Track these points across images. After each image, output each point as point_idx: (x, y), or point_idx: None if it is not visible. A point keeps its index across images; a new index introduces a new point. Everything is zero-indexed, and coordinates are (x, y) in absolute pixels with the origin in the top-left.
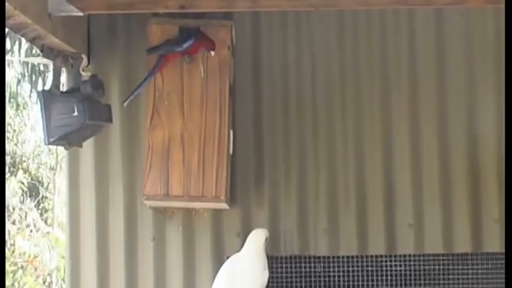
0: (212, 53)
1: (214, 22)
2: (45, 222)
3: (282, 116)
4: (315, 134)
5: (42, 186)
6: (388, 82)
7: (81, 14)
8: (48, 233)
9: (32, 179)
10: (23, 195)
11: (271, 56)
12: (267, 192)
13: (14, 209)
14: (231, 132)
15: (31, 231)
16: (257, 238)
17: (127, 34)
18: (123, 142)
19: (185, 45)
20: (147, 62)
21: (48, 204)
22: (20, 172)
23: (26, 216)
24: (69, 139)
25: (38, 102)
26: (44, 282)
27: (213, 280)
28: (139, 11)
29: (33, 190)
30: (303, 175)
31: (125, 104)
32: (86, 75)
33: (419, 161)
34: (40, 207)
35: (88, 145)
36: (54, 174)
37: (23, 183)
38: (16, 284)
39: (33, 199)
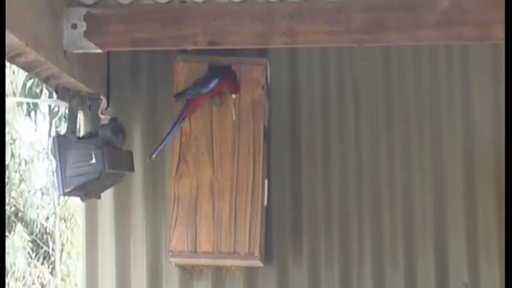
0: (233, 96)
1: (247, 59)
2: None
3: (322, 162)
4: (359, 180)
5: (47, 242)
6: (439, 121)
7: (100, 51)
8: None
9: (38, 233)
10: (28, 252)
11: (310, 96)
12: (305, 247)
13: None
14: (266, 181)
15: None
16: None
17: (151, 73)
18: (146, 193)
19: (211, 86)
20: (173, 104)
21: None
22: (20, 226)
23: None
24: (86, 189)
25: (53, 148)
26: None
27: None
28: (165, 48)
29: (38, 245)
30: (345, 227)
31: (153, 156)
32: (105, 118)
33: (475, 210)
34: (49, 263)
35: (107, 196)
36: (66, 226)
37: (29, 240)
38: None
39: (39, 256)
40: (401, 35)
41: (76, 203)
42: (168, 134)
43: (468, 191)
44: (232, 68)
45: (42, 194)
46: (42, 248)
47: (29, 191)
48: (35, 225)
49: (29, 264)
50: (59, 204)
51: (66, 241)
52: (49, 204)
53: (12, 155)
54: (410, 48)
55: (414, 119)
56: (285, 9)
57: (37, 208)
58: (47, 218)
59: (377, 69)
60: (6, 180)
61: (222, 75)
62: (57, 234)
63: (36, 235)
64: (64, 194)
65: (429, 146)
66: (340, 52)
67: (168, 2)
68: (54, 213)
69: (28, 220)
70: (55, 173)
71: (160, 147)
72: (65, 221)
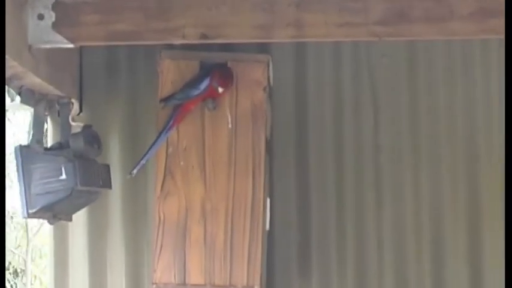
0: (220, 90)
1: (246, 56)
2: None
3: (334, 179)
4: (378, 202)
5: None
6: (475, 135)
7: (71, 46)
8: None
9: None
10: None
11: (321, 101)
12: (315, 279)
13: None
14: (268, 201)
15: None
16: None
17: (131, 72)
18: (126, 214)
19: (202, 86)
20: (158, 109)
21: None
22: None
23: None
24: (55, 210)
25: (15, 161)
26: None
27: None
28: (148, 42)
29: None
30: (362, 257)
31: (134, 172)
32: (77, 126)
33: None
34: None
35: (79, 218)
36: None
37: None
38: None
39: None
40: (429, 28)
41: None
42: (152, 145)
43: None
44: (227, 65)
45: (12, 217)
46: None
47: None
48: None
49: None
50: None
51: (34, 279)
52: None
53: None
54: (440, 44)
55: (445, 131)
56: None
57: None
58: (18, 247)
59: (400, 69)
60: None
61: (213, 68)
62: (28, 267)
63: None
64: (29, 216)
65: (463, 164)
66: (356, 48)
67: None
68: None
69: None
70: (18, 191)
71: (143, 161)
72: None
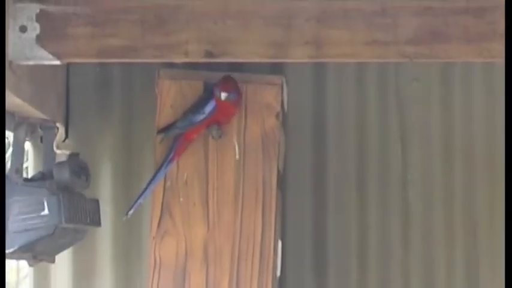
0: (223, 96)
1: (257, 78)
2: None
3: (356, 219)
4: (405, 245)
5: None
6: None
7: (57, 62)
8: None
9: None
10: None
11: (342, 129)
12: None
13: None
14: (280, 243)
15: None
16: None
17: (125, 94)
18: (116, 256)
19: (207, 110)
20: (154, 135)
21: None
22: None
23: None
24: (35, 250)
25: None
26: None
27: None
28: (146, 60)
29: None
30: None
31: (130, 213)
32: (62, 154)
33: None
34: None
35: (64, 259)
36: None
37: None
38: None
39: None
40: (467, 49)
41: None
42: (150, 182)
43: None
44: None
45: None
46: None
47: None
48: None
49: None
50: None
51: None
52: None
53: None
54: (480, 67)
55: (482, 166)
56: (310, 9)
57: None
58: None
59: (434, 95)
60: None
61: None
62: None
63: None
64: (5, 256)
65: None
66: (384, 70)
67: None
68: None
69: None
70: None
71: (140, 200)
72: None
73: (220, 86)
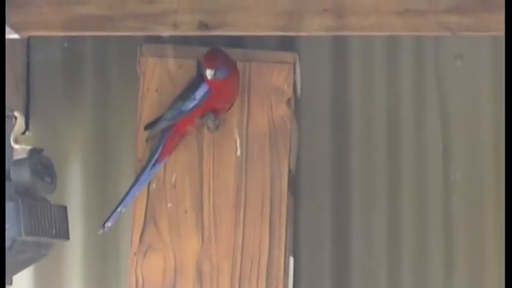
0: (208, 73)
1: (263, 55)
2: None
3: (386, 229)
4: (446, 262)
5: None
6: None
7: (16, 36)
8: None
9: None
10: None
11: (368, 118)
12: None
13: None
14: (291, 260)
15: None
16: None
17: (99, 75)
18: (89, 275)
19: (199, 94)
20: (135, 127)
21: None
22: None
23: None
24: None
25: None
26: None
27: None
28: (125, 33)
29: None
30: None
31: (108, 225)
32: (21, 149)
33: None
34: None
35: (24, 280)
36: None
37: None
38: None
39: None
40: None
41: None
42: (132, 187)
43: None
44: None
45: None
46: None
47: None
48: None
49: None
50: None
51: None
52: None
53: None
54: None
55: None
56: None
57: None
58: None
59: (482, 75)
60: None
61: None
62: None
63: None
64: None
65: None
66: (420, 45)
67: None
68: None
69: None
70: None
71: (120, 209)
72: None
73: (205, 62)
